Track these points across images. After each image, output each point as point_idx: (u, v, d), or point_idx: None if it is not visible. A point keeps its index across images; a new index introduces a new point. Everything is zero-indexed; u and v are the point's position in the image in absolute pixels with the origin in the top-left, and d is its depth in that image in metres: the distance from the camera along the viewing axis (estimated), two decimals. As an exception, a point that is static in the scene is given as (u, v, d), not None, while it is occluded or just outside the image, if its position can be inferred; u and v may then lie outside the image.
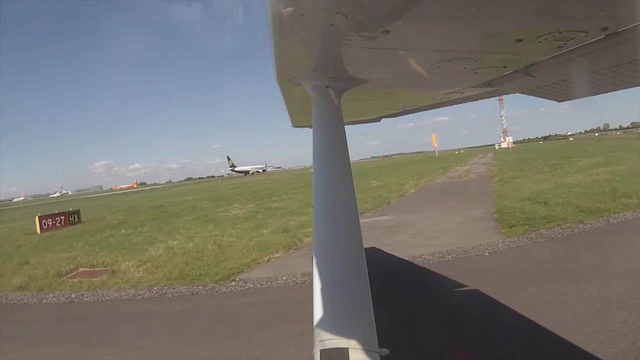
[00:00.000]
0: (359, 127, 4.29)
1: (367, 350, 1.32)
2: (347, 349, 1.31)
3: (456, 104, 2.93)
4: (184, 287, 7.93)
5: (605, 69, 1.75)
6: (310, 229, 11.79)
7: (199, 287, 7.80)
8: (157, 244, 12.24)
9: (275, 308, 6.43)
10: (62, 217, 21.97)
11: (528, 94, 2.49)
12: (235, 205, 22.84)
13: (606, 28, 1.25)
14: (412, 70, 1.67)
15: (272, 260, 9.30)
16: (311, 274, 1.61)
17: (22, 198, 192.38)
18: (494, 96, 2.82)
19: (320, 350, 1.32)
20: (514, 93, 2.60)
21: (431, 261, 7.79)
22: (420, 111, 3.31)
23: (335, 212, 1.64)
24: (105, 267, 10.27)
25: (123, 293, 8.06)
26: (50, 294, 8.50)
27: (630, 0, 1.10)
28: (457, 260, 7.69)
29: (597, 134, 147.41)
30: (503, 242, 8.45)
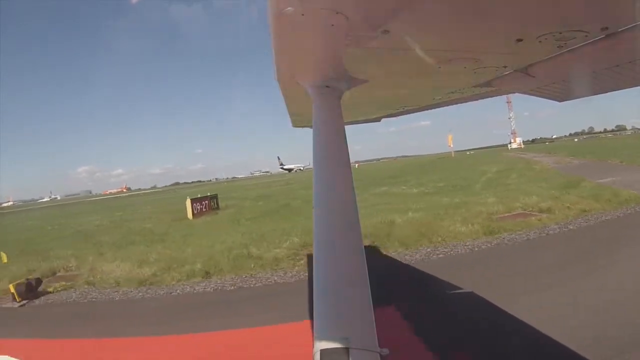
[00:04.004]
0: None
1: (367, 350, 1.32)
2: (347, 348, 1.30)
3: (456, 104, 2.93)
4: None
5: (605, 69, 1.75)
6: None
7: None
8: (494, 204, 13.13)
9: None
10: (207, 202, 21.81)
11: (528, 94, 2.49)
12: (408, 184, 25.33)
13: (606, 28, 1.25)
14: (412, 70, 1.67)
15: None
16: None
17: (11, 203, 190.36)
18: (494, 96, 2.82)
19: (320, 350, 1.32)
20: (514, 93, 2.60)
21: None
22: (420, 111, 3.31)
23: (335, 212, 1.63)
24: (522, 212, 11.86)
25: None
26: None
27: (630, 0, 1.10)
28: None
29: (584, 137, 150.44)
30: None
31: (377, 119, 3.79)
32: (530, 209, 11.98)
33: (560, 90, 2.23)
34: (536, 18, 1.17)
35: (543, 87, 2.16)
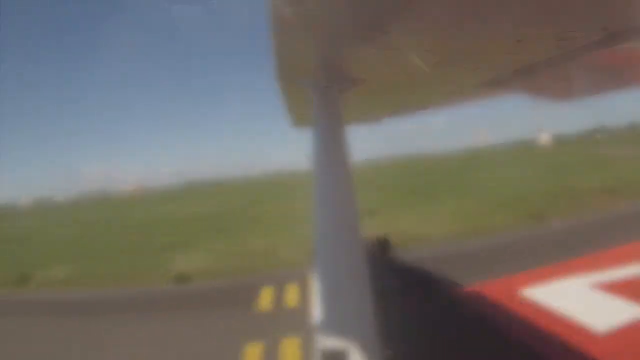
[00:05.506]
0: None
1: (367, 350, 1.33)
2: (347, 349, 1.31)
3: (456, 104, 2.92)
4: None
5: (605, 69, 1.74)
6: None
7: None
8: None
9: None
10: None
11: (528, 94, 2.48)
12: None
13: (606, 28, 1.25)
14: (412, 70, 1.67)
15: None
16: None
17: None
18: (494, 96, 2.81)
19: (322, 350, 1.33)
20: (514, 93, 2.59)
21: None
22: (420, 111, 3.30)
23: (335, 212, 1.63)
24: None
25: None
26: None
27: (631, 0, 1.10)
28: None
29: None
30: None
31: (377, 119, 3.78)
32: None
33: (560, 90, 2.22)
34: (536, 18, 1.17)
35: (543, 87, 2.15)
